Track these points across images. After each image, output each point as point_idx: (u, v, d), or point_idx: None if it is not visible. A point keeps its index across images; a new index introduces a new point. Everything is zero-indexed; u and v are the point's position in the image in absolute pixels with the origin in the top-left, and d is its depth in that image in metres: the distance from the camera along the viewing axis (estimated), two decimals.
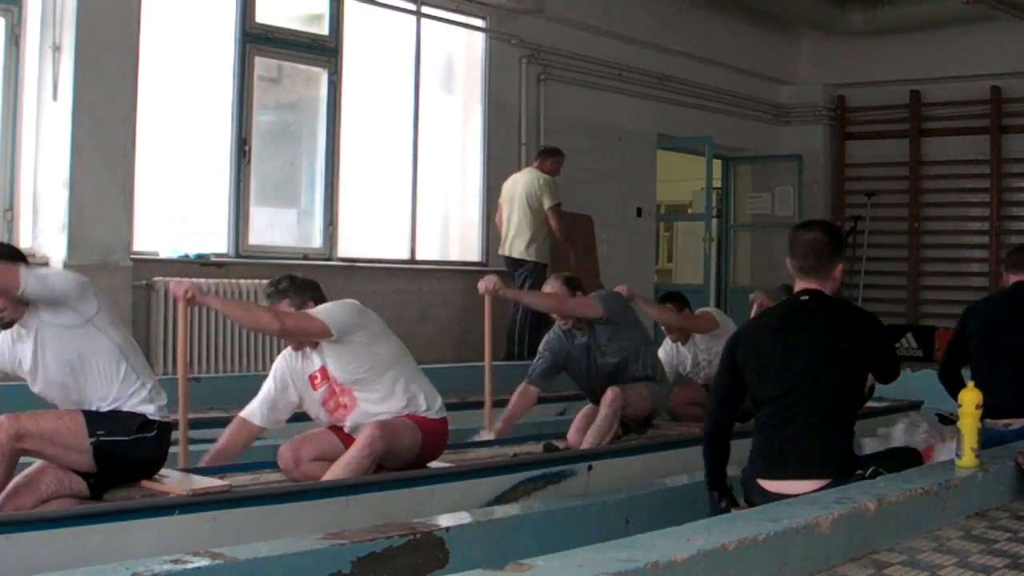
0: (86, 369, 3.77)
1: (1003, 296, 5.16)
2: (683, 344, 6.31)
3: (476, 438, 5.37)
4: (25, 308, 3.73)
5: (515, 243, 8.69)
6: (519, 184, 8.75)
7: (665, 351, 6.34)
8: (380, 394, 4.30)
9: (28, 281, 3.59)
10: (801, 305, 3.72)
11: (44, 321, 3.73)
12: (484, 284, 5.39)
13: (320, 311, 4.22)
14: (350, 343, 4.22)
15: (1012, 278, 5.07)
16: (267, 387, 4.44)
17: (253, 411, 4.43)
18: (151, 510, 3.51)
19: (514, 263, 8.71)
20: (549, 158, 8.84)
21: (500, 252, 8.91)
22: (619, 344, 5.34)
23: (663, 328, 6.31)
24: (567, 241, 8.73)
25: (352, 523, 3.51)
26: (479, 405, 6.34)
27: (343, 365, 4.26)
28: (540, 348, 5.59)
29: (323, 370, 4.33)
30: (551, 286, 5.48)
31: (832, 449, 3.55)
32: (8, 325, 3.78)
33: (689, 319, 6.15)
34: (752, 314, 6.36)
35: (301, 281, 4.38)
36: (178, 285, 4.31)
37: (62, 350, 3.73)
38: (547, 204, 8.57)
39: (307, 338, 4.23)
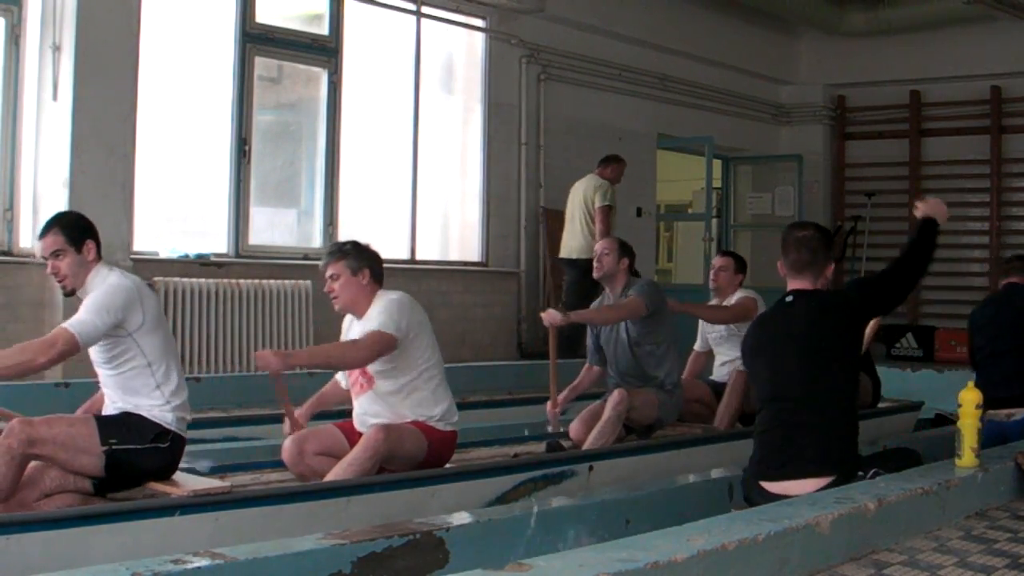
0: (119, 368, 3.86)
1: (999, 297, 5.79)
2: (720, 300, 6.30)
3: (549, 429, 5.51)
4: (87, 275, 3.86)
5: (571, 245, 8.91)
6: (579, 189, 9.00)
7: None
8: (398, 388, 4.32)
9: (84, 336, 3.71)
10: (785, 308, 3.74)
11: None
12: (548, 318, 5.42)
13: (384, 318, 4.24)
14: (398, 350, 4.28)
15: (1004, 281, 5.78)
16: None
17: (339, 376, 4.65)
18: (152, 510, 3.51)
19: (569, 264, 8.91)
20: (609, 165, 9.09)
21: (559, 255, 9.07)
22: (643, 328, 5.45)
23: (711, 276, 6.29)
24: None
25: (352, 523, 3.51)
26: (479, 405, 6.38)
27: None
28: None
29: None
30: (606, 247, 5.55)
31: (832, 448, 3.54)
32: (71, 293, 3.91)
33: (735, 312, 6.13)
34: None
35: (364, 248, 4.43)
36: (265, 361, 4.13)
37: (100, 345, 3.84)
38: (597, 203, 8.76)
39: (382, 354, 4.24)
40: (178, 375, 3.97)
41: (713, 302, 6.28)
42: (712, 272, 6.30)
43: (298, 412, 4.47)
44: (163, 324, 3.99)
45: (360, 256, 4.38)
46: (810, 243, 3.71)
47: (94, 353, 3.87)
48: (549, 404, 5.53)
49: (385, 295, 4.38)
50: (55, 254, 3.86)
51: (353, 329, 4.43)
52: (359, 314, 4.39)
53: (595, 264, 5.57)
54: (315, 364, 4.53)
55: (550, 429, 5.53)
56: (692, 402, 6.02)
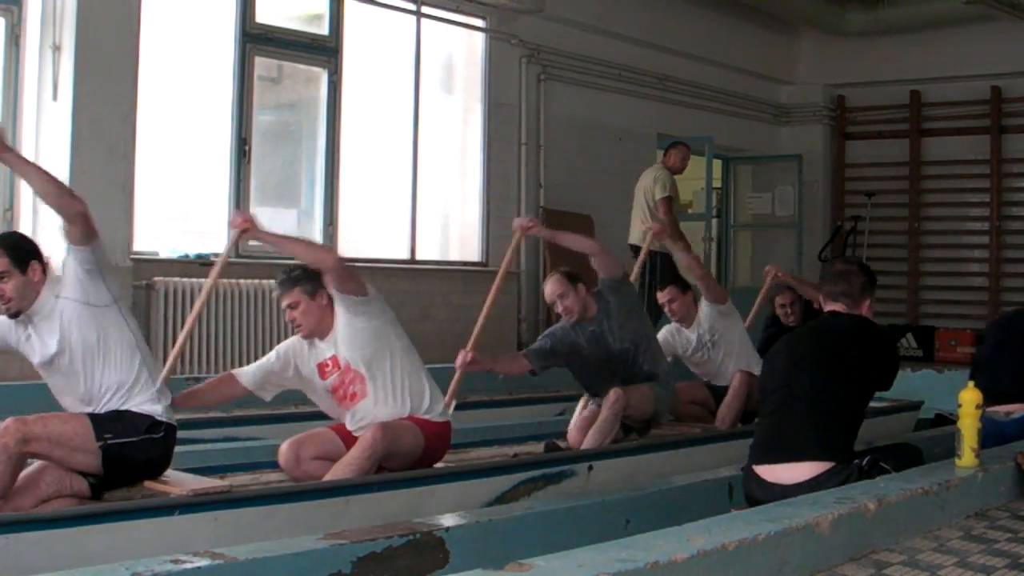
0: (106, 354, 3.82)
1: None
2: (687, 327, 6.21)
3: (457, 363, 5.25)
4: (36, 296, 3.80)
5: (634, 232, 8.98)
6: (643, 179, 9.12)
7: (666, 335, 6.20)
8: (389, 385, 4.32)
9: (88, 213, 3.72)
10: (823, 320, 3.95)
11: (66, 298, 3.79)
12: (519, 220, 5.37)
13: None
14: (367, 323, 4.29)
15: None
16: (267, 359, 4.50)
17: (244, 372, 4.52)
18: (152, 510, 3.51)
19: (634, 250, 8.89)
20: (669, 152, 9.22)
21: (628, 241, 9.11)
22: (630, 329, 5.33)
23: (667, 312, 6.26)
24: (671, 234, 8.77)
25: (352, 523, 3.51)
26: (479, 405, 6.37)
27: (356, 348, 4.29)
28: (541, 335, 5.56)
29: (334, 359, 4.36)
30: (557, 291, 5.34)
31: (827, 435, 3.59)
32: (15, 315, 3.83)
33: (711, 279, 6.17)
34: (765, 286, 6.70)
35: (313, 272, 4.41)
36: (236, 215, 4.42)
37: (85, 329, 3.79)
38: (657, 195, 8.84)
39: (349, 285, 4.27)
40: (152, 365, 3.97)
41: (681, 329, 6.24)
42: (667, 310, 6.21)
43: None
44: (132, 315, 4.01)
45: (313, 278, 4.35)
46: (848, 277, 3.90)
47: (80, 361, 3.82)
48: (464, 351, 5.23)
49: None
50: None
51: (318, 346, 4.38)
52: (325, 334, 4.36)
53: (562, 313, 5.34)
54: (284, 248, 4.59)
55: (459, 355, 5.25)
56: (691, 403, 6.02)
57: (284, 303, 4.36)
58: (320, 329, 4.35)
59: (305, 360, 4.42)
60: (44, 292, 3.82)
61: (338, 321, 4.32)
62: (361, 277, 4.34)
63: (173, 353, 4.98)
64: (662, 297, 6.22)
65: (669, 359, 5.89)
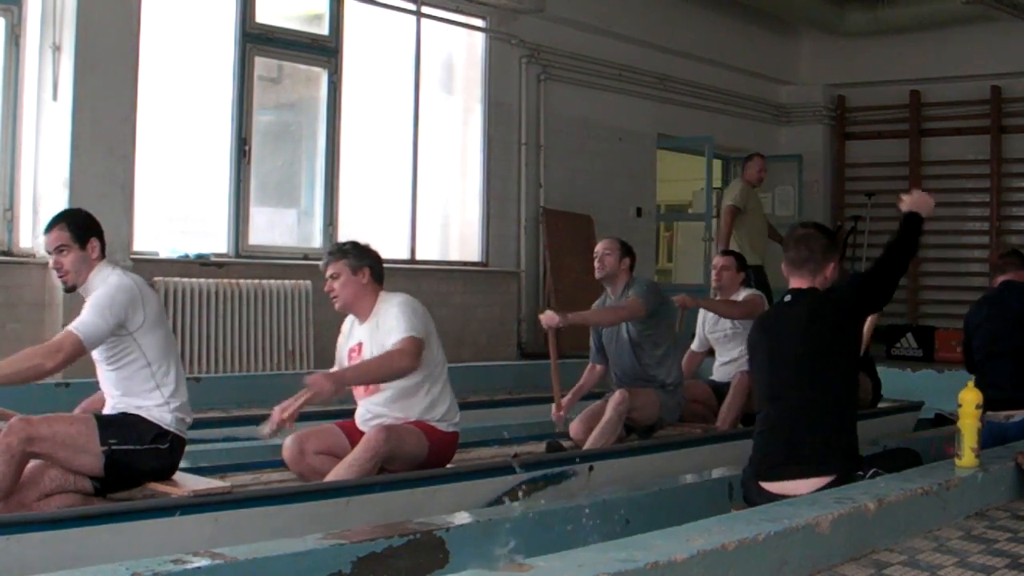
0: (126, 355, 3.87)
1: (995, 295, 5.51)
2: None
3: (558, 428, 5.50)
4: (90, 272, 3.89)
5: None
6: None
7: (700, 316, 6.39)
8: (406, 389, 4.32)
9: (89, 338, 3.72)
10: (783, 307, 3.76)
11: None
12: (546, 320, 5.39)
13: (407, 323, 4.23)
14: None
15: (999, 278, 5.52)
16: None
17: None
18: (153, 511, 3.51)
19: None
20: (745, 164, 9.18)
21: None
22: (654, 337, 5.51)
23: (713, 276, 6.34)
24: (726, 240, 8.82)
25: (352, 523, 3.51)
26: (479, 405, 6.38)
27: (380, 347, 4.28)
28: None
29: (360, 346, 4.39)
30: (608, 248, 5.57)
31: (832, 448, 3.54)
32: (72, 289, 3.93)
33: (747, 307, 6.15)
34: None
35: (364, 248, 4.46)
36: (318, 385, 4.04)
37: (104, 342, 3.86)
38: (724, 202, 8.87)
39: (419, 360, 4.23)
40: (178, 376, 3.97)
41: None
42: (714, 272, 6.34)
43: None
44: (164, 324, 3.99)
45: (360, 255, 4.40)
46: (809, 240, 3.73)
47: (95, 351, 3.87)
48: (554, 408, 5.53)
49: (392, 297, 4.39)
50: (59, 249, 3.89)
51: (355, 331, 4.42)
52: (359, 313, 4.40)
53: (596, 264, 5.58)
54: (369, 380, 4.38)
55: (556, 429, 5.52)
56: (692, 402, 6.02)
57: (327, 272, 4.39)
58: (355, 305, 4.39)
59: (344, 341, 4.51)
60: (99, 271, 3.90)
61: (386, 326, 4.29)
62: (419, 338, 4.21)
63: None
64: (718, 261, 6.37)
65: (701, 339, 6.33)
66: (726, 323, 6.20)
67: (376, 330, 4.33)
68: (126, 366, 3.86)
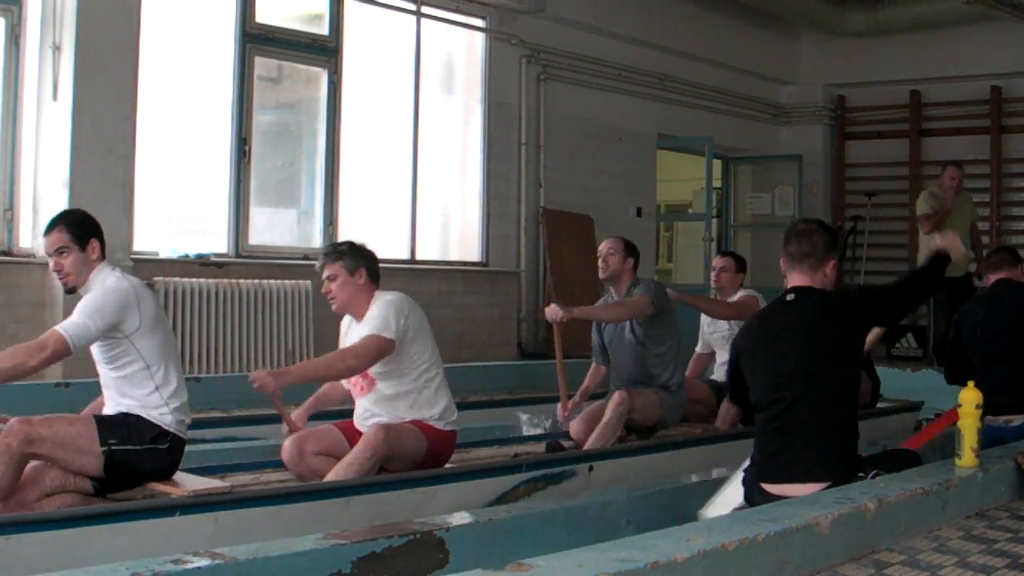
0: (123, 356, 3.86)
1: (989, 296, 5.29)
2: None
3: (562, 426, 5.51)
4: (90, 274, 3.88)
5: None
6: None
7: (703, 316, 6.36)
8: (398, 389, 4.33)
9: (75, 339, 3.70)
10: (785, 306, 3.70)
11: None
12: (551, 313, 5.36)
13: (380, 322, 4.23)
14: (396, 353, 4.28)
15: (992, 277, 5.29)
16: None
17: None
18: (152, 511, 3.52)
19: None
20: (941, 174, 9.03)
21: None
22: (658, 337, 5.50)
23: (712, 277, 6.33)
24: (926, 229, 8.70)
25: (353, 523, 3.51)
26: (479, 405, 6.38)
27: None
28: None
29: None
30: (612, 247, 5.54)
31: (833, 450, 3.52)
32: (72, 290, 3.92)
33: (738, 308, 6.13)
34: None
35: (360, 248, 4.45)
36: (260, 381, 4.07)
37: (99, 344, 3.86)
38: (918, 211, 8.81)
39: (380, 358, 4.25)
40: (178, 377, 3.96)
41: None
42: (713, 273, 6.33)
43: (296, 413, 4.46)
44: (163, 326, 3.98)
45: (356, 256, 4.39)
46: (811, 235, 3.68)
47: (95, 351, 3.88)
48: (559, 407, 5.52)
49: (382, 296, 4.38)
50: (59, 251, 3.88)
51: (352, 331, 4.44)
52: (357, 314, 4.40)
53: (600, 264, 5.57)
54: (311, 379, 4.43)
55: (562, 428, 5.51)
56: (692, 402, 6.02)
57: (324, 274, 4.39)
58: (352, 307, 4.39)
59: (343, 340, 4.50)
60: (99, 272, 3.89)
61: (367, 317, 4.33)
62: (382, 335, 4.20)
63: None
64: (717, 262, 6.35)
65: (707, 337, 6.28)
66: (723, 324, 6.19)
67: (361, 330, 4.33)
68: (125, 367, 3.86)
